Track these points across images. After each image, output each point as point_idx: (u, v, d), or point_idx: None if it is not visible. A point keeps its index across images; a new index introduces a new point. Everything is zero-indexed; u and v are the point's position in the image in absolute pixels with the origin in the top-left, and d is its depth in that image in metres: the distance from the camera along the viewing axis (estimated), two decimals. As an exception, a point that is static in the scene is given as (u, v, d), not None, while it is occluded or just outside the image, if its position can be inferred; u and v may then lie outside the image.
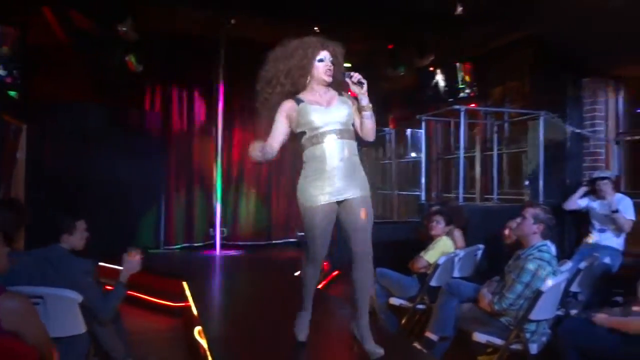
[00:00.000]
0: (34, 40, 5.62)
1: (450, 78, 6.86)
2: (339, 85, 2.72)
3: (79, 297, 2.61)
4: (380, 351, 2.62)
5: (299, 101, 2.64)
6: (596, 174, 4.98)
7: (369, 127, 2.67)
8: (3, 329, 1.70)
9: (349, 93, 2.74)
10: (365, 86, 2.59)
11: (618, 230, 4.64)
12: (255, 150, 2.54)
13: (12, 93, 5.52)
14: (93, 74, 6.75)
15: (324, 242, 2.67)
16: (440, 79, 6.95)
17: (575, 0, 4.56)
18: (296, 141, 2.70)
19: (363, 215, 2.59)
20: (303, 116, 2.60)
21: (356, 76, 2.59)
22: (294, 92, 2.67)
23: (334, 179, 2.56)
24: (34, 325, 1.83)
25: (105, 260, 4.78)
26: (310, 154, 2.62)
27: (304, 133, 2.62)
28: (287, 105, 2.65)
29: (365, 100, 2.63)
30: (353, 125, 2.70)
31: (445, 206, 4.74)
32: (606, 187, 4.70)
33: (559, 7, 4.83)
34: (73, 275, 2.74)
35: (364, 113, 2.65)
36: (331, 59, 2.66)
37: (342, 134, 2.61)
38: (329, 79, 2.66)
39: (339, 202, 2.60)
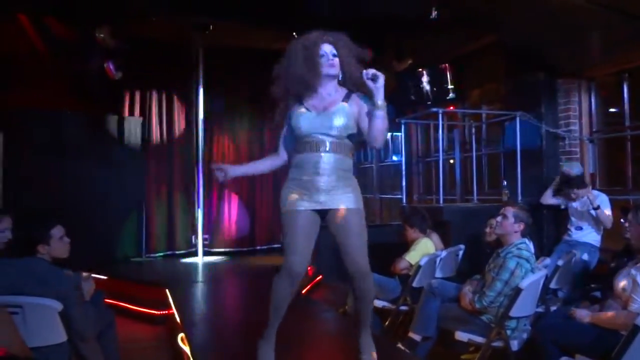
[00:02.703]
0: (9, 48, 5.54)
1: (439, 80, 6.89)
2: (357, 84, 2.46)
3: (58, 306, 2.56)
4: None
5: (299, 104, 2.50)
6: (566, 170, 4.93)
7: (378, 127, 2.36)
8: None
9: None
10: (381, 80, 2.30)
11: (599, 226, 4.68)
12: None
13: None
14: (71, 81, 6.69)
15: (303, 253, 2.41)
16: (427, 81, 6.97)
17: (539, 4, 4.64)
18: None
19: (350, 229, 2.40)
20: (293, 119, 2.48)
21: (370, 71, 2.32)
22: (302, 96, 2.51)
23: (312, 190, 2.41)
24: (10, 334, 1.80)
25: (87, 270, 4.70)
26: (293, 160, 2.52)
27: (295, 137, 2.51)
28: (291, 107, 2.53)
29: (380, 97, 2.32)
30: (350, 136, 2.48)
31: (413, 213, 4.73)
32: (579, 191, 4.73)
33: (524, 12, 4.90)
34: (60, 288, 2.60)
35: (376, 112, 2.34)
36: (333, 51, 2.45)
37: (329, 145, 2.43)
38: (333, 71, 2.45)
39: (323, 214, 2.44)
